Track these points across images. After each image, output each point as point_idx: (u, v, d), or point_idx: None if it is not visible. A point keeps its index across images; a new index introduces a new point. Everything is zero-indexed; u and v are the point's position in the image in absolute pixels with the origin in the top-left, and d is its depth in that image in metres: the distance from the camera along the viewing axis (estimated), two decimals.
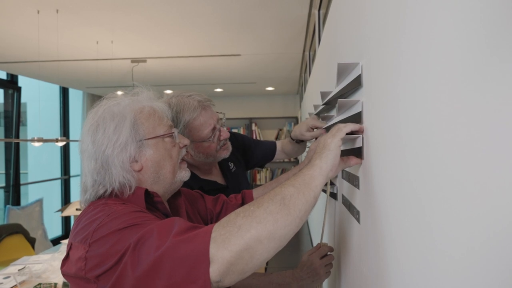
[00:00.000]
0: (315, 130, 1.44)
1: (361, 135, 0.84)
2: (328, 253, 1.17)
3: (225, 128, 1.39)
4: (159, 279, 0.66)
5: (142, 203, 0.85)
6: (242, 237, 0.66)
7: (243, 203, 1.22)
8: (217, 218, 1.16)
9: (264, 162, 1.79)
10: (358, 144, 0.86)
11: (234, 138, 1.59)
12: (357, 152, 0.87)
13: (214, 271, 0.65)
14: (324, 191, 1.39)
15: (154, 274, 0.66)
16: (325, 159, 0.78)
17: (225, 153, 1.39)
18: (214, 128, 1.32)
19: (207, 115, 1.31)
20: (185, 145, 0.97)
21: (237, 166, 1.60)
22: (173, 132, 0.93)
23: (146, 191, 0.87)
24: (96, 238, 0.73)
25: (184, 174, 0.96)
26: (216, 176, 1.48)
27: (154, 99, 0.96)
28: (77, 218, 0.82)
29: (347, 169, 1.04)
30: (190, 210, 1.09)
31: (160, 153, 0.90)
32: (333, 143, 0.79)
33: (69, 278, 0.78)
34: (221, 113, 1.42)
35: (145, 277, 0.67)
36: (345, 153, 0.91)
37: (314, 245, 1.27)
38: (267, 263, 2.31)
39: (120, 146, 0.85)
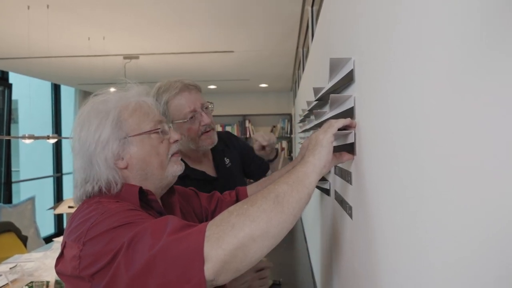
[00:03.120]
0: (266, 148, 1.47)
1: (353, 131, 0.84)
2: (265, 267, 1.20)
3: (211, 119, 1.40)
4: (153, 278, 0.66)
5: (136, 201, 0.85)
6: (236, 235, 0.66)
7: (237, 200, 1.22)
8: (212, 215, 1.16)
9: (253, 177, 1.76)
10: (350, 139, 0.86)
11: (235, 139, 1.64)
12: (349, 148, 0.87)
13: (208, 270, 0.65)
14: (317, 187, 1.40)
15: (148, 273, 0.66)
16: (318, 155, 0.77)
17: (208, 142, 1.38)
18: (194, 110, 1.32)
19: (190, 96, 1.33)
20: (176, 140, 0.96)
21: (233, 163, 1.59)
22: (159, 129, 0.92)
23: (140, 189, 0.86)
24: (90, 237, 0.73)
25: (176, 168, 0.95)
26: (207, 167, 1.48)
27: (143, 95, 0.95)
28: (71, 217, 0.82)
29: (339, 165, 1.04)
30: (185, 208, 1.09)
31: (145, 150, 0.89)
32: (325, 139, 0.78)
33: (63, 277, 0.78)
34: (209, 102, 1.42)
35: (138, 276, 0.67)
36: (337, 149, 0.91)
37: (309, 242, 1.27)
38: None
39: (102, 144, 0.85)
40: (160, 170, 0.92)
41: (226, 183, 1.37)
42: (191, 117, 1.33)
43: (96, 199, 0.84)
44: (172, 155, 0.95)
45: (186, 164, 1.39)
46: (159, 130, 0.92)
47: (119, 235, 0.70)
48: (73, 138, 0.89)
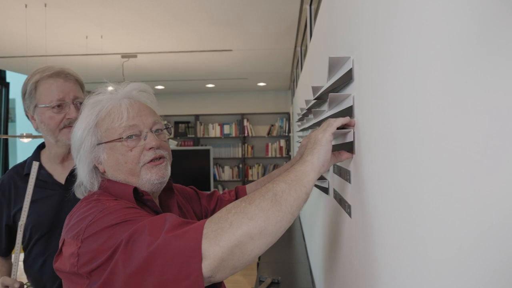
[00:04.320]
0: None
1: (352, 130, 0.84)
2: None
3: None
4: (151, 275, 0.66)
5: (132, 200, 0.85)
6: (234, 233, 0.66)
7: (237, 199, 1.22)
8: (211, 214, 1.16)
9: None
10: (349, 138, 0.86)
11: None
12: (349, 147, 0.87)
13: (206, 267, 0.65)
14: (315, 185, 1.40)
15: (146, 270, 0.66)
16: (317, 154, 0.77)
17: (67, 137, 1.18)
18: (63, 100, 1.20)
19: (64, 84, 1.22)
20: (152, 148, 0.89)
21: None
22: (122, 138, 0.87)
23: (135, 189, 0.87)
24: (88, 234, 0.73)
25: (151, 177, 0.88)
26: (59, 172, 1.29)
27: (128, 96, 0.92)
28: (70, 214, 0.83)
29: (338, 164, 1.04)
30: (184, 207, 1.09)
31: (114, 157, 0.88)
32: (324, 138, 0.78)
33: (61, 274, 0.78)
34: (81, 100, 1.24)
35: (136, 273, 0.67)
36: (336, 148, 0.91)
37: (307, 241, 1.27)
38: (259, 258, 2.32)
39: (78, 147, 0.90)
40: (132, 177, 0.88)
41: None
42: (58, 106, 1.20)
43: (95, 196, 0.85)
44: (148, 162, 0.88)
45: (40, 159, 1.30)
46: (123, 139, 0.87)
47: (118, 232, 0.71)
48: None
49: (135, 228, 0.70)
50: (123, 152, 0.87)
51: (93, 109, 0.90)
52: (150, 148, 0.88)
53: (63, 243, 0.78)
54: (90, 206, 0.79)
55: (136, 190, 0.87)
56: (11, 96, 5.51)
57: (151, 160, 0.89)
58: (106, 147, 0.88)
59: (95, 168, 0.90)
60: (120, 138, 0.87)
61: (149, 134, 0.89)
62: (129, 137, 0.87)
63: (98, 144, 0.88)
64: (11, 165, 5.60)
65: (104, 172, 0.89)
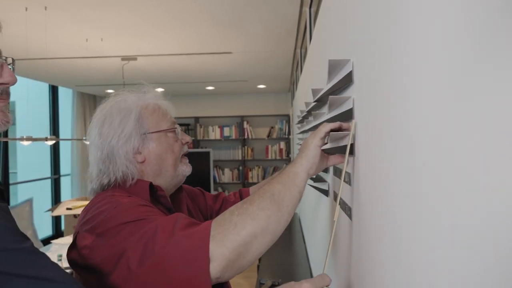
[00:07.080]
0: None
1: (350, 133, 0.84)
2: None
3: None
4: (160, 274, 0.69)
5: (146, 196, 0.89)
6: (239, 233, 0.71)
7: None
8: (216, 214, 1.21)
9: None
10: (343, 142, 0.86)
11: None
12: (342, 150, 0.87)
13: (215, 268, 0.69)
14: (315, 187, 1.39)
15: (156, 269, 0.69)
16: (305, 158, 0.84)
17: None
18: None
19: None
20: (187, 142, 1.02)
21: None
22: (176, 128, 0.98)
23: (151, 184, 0.90)
24: (102, 230, 0.76)
25: (186, 169, 1.01)
26: None
27: (160, 98, 1.01)
28: (85, 208, 0.86)
29: (338, 166, 1.04)
30: (191, 206, 1.14)
31: (162, 146, 0.95)
32: (313, 143, 0.85)
33: (74, 266, 0.81)
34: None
35: (147, 272, 0.69)
36: (335, 151, 0.91)
37: (307, 243, 1.27)
38: (259, 260, 2.32)
39: (124, 138, 0.91)
40: (173, 167, 0.97)
41: None
42: None
43: (109, 192, 0.87)
44: (182, 157, 1.00)
45: None
46: (176, 130, 0.98)
47: (130, 230, 0.73)
48: (90, 134, 0.95)
49: (148, 227, 0.73)
50: (171, 142, 0.97)
51: (135, 104, 0.94)
52: (186, 143, 1.02)
53: (77, 236, 0.80)
54: (105, 202, 0.82)
55: (151, 186, 0.90)
56: (11, 98, 5.49)
57: (184, 154, 1.02)
58: (154, 136, 0.94)
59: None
60: (174, 128, 0.97)
61: (182, 132, 1.01)
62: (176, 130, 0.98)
63: (144, 133, 0.93)
64: (11, 168, 5.59)
65: (143, 162, 0.93)
